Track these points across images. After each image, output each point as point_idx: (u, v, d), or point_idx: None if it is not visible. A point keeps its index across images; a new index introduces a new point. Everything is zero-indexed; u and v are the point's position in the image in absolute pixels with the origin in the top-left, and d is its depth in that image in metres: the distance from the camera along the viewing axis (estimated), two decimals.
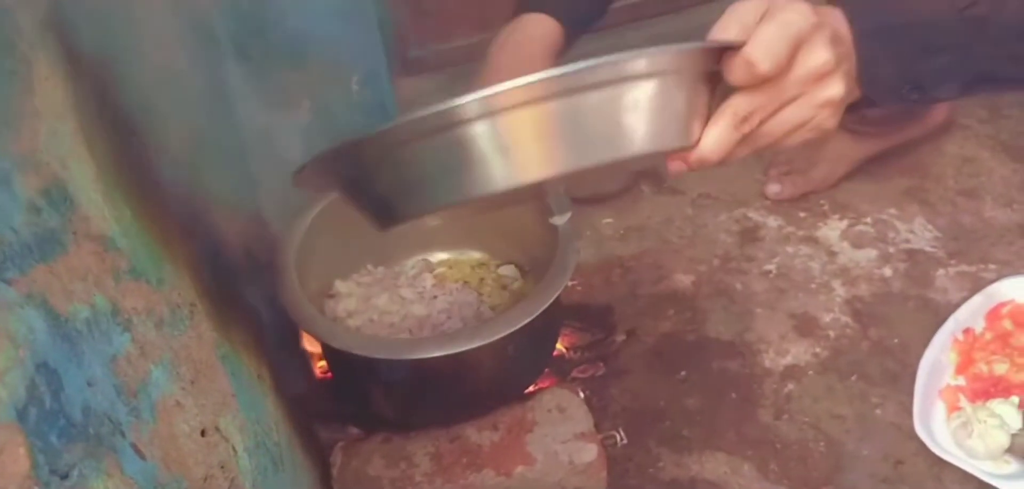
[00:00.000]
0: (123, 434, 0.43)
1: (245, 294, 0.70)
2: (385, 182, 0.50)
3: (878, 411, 0.94)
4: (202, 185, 0.65)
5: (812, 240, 1.15)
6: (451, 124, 0.46)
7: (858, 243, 1.13)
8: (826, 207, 1.19)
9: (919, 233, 1.14)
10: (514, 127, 0.45)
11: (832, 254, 1.12)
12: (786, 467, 0.89)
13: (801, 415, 0.94)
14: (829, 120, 0.55)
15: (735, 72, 0.51)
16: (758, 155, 0.58)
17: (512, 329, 0.75)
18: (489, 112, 0.45)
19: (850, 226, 1.16)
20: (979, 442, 0.87)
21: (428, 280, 0.95)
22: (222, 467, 0.46)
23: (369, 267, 0.95)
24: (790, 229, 1.16)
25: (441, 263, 0.99)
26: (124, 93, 0.55)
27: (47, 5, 0.46)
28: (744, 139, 0.53)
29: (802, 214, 1.18)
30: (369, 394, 0.81)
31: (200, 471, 0.43)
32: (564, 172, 0.47)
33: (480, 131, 0.45)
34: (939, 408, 0.92)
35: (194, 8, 0.68)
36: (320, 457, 0.79)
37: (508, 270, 0.98)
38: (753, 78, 0.51)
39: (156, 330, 0.49)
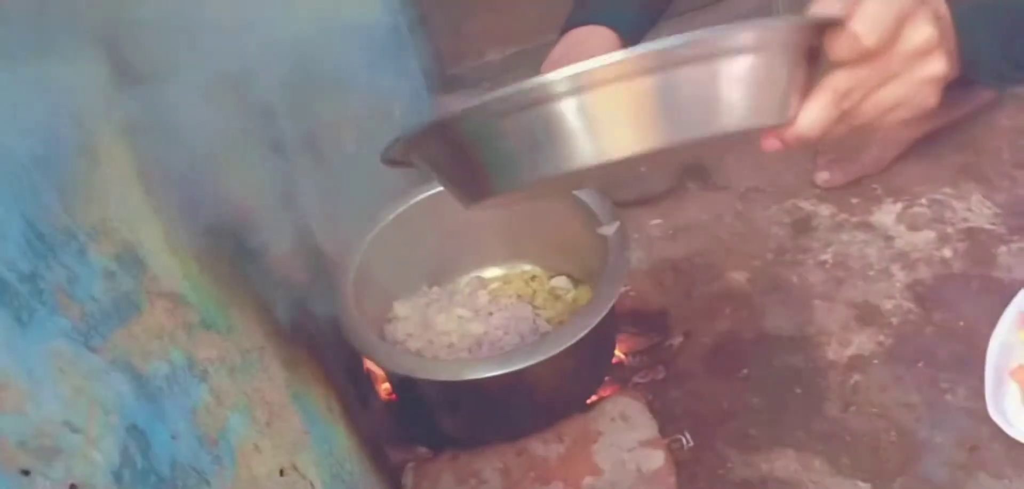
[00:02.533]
0: (208, 483, 0.44)
1: (309, 328, 0.71)
2: (475, 159, 0.49)
3: (948, 396, 0.91)
4: (260, 228, 0.66)
5: (867, 226, 1.12)
6: (544, 99, 0.45)
7: (915, 225, 1.11)
8: (879, 191, 1.16)
9: (977, 210, 1.11)
10: (610, 102, 0.45)
11: (889, 239, 1.10)
12: (858, 460, 0.87)
13: (869, 406, 0.92)
14: (930, 98, 0.54)
15: (839, 47, 0.50)
16: (856, 134, 0.57)
17: (569, 343, 0.75)
18: (584, 87, 0.44)
19: (905, 208, 1.13)
20: None
21: (483, 297, 0.96)
22: None
23: (425, 288, 0.97)
24: (843, 216, 1.14)
25: (494, 279, 1.00)
26: (182, 151, 0.56)
27: (109, 78, 0.47)
28: (842, 116, 0.52)
29: (855, 200, 1.16)
30: (434, 415, 0.82)
31: None
32: (659, 147, 0.46)
33: (574, 106, 0.45)
34: (1012, 389, 0.89)
35: (240, 59, 0.69)
36: (392, 479, 0.81)
37: (561, 281, 0.98)
38: (857, 53, 0.50)
39: (230, 377, 0.51)
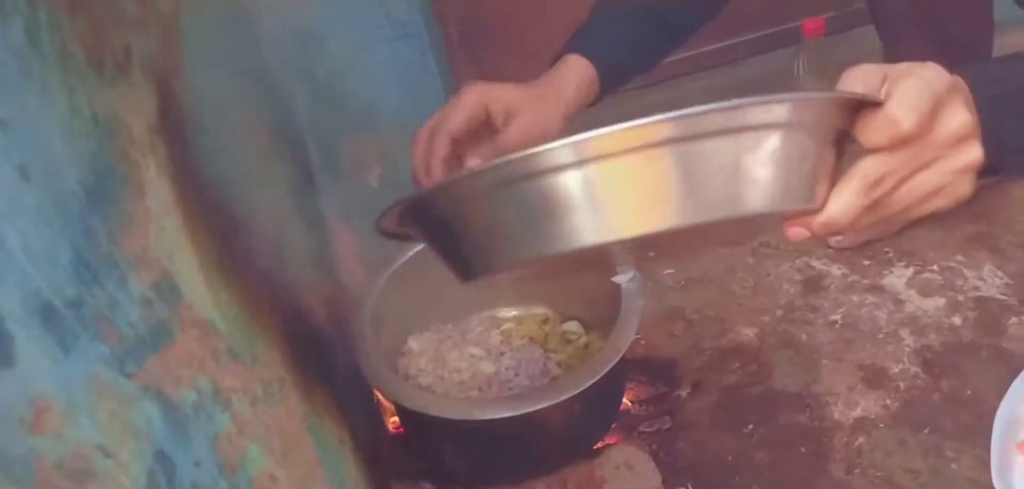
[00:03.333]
0: None
1: (327, 361, 0.73)
2: (468, 232, 0.45)
3: (953, 466, 0.92)
4: (286, 259, 0.68)
5: (878, 289, 1.13)
6: (543, 170, 0.40)
7: (925, 291, 1.12)
8: (891, 254, 1.18)
9: (989, 280, 1.11)
10: (622, 174, 0.40)
11: (899, 303, 1.11)
12: None
13: (873, 470, 0.93)
14: (965, 187, 0.51)
15: (873, 131, 0.47)
16: (886, 224, 0.54)
17: (579, 389, 0.76)
18: (594, 157, 0.40)
19: (916, 274, 1.14)
20: None
21: (495, 337, 0.97)
22: None
23: (439, 325, 0.98)
24: (855, 277, 1.15)
25: (508, 320, 1.02)
26: (219, 183, 0.58)
27: (156, 112, 0.50)
28: (874, 205, 0.49)
29: (866, 262, 1.17)
30: (441, 451, 0.83)
31: None
32: (671, 228, 0.42)
33: (580, 178, 0.40)
34: (1019, 462, 0.90)
35: (275, 86, 0.72)
36: None
37: (572, 326, 1.00)
38: (893, 138, 0.47)
39: (251, 407, 0.52)
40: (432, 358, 0.91)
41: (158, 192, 0.50)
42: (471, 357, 0.92)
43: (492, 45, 1.44)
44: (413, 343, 0.93)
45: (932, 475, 0.91)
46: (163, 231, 0.49)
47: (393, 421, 0.93)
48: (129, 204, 0.47)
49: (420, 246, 0.95)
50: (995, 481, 0.87)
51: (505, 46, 1.45)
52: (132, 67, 0.49)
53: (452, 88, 1.17)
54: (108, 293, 0.42)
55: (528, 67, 1.42)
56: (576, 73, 0.89)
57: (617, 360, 0.80)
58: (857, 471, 0.93)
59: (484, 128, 0.82)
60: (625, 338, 0.82)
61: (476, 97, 0.80)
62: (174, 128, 0.52)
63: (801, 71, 1.32)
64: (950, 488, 0.90)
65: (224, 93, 0.60)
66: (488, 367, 0.90)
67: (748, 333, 1.04)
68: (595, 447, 0.89)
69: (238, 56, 0.64)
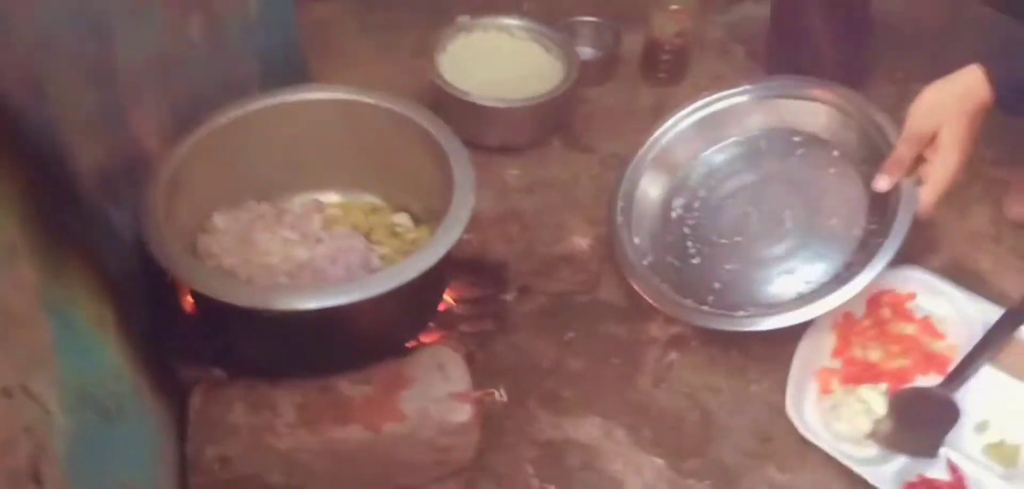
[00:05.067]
0: None
1: (96, 228, 0.65)
2: None
3: (754, 387, 0.96)
4: (49, 103, 0.59)
5: None
6: None
7: None
8: None
9: None
10: None
11: None
12: (659, 435, 0.91)
13: (680, 385, 0.95)
14: None
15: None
16: None
17: (393, 286, 0.73)
18: None
19: None
20: (845, 425, 0.90)
21: (316, 221, 0.91)
22: (27, 430, 0.43)
23: (252, 202, 0.91)
24: None
25: (332, 205, 0.96)
26: None
27: None
28: None
29: None
30: (235, 339, 0.78)
31: None
32: None
33: None
34: (812, 388, 0.95)
35: None
36: (178, 398, 0.76)
37: (402, 218, 0.95)
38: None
39: None
40: (238, 238, 0.85)
41: None
42: (284, 241, 0.86)
43: None
44: (218, 219, 0.86)
45: (732, 394, 0.95)
46: None
47: (189, 300, 0.87)
48: None
49: (235, 113, 0.87)
50: (788, 404, 0.91)
51: None
52: None
53: None
54: None
55: None
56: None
57: (437, 260, 0.77)
58: (664, 385, 0.95)
59: None
60: (449, 238, 0.78)
61: None
62: None
63: None
64: (747, 407, 0.94)
65: None
66: (302, 253, 0.85)
67: (582, 243, 1.03)
68: (408, 345, 0.86)
69: None
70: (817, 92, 1.06)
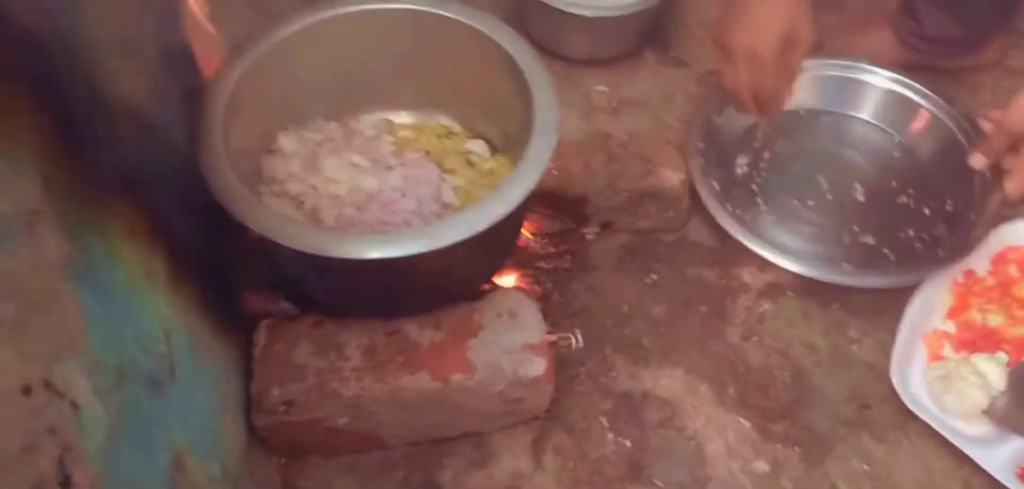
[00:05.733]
0: None
1: (146, 158, 0.59)
2: None
3: (854, 347, 0.88)
4: (78, 17, 0.51)
5: None
6: None
7: None
8: None
9: None
10: None
11: None
12: (745, 394, 0.84)
13: (772, 339, 0.88)
14: None
15: None
16: None
17: (464, 237, 0.67)
18: None
19: None
20: (956, 400, 0.81)
21: (387, 144, 0.85)
22: (51, 432, 0.39)
23: (321, 121, 0.85)
24: None
25: (404, 126, 0.89)
26: None
27: None
28: None
29: None
30: (298, 279, 0.74)
31: (16, 443, 0.37)
32: None
33: None
34: (920, 354, 0.86)
35: None
36: (244, 333, 0.74)
37: (478, 145, 0.88)
38: None
39: None
40: (305, 163, 0.80)
41: None
42: (353, 167, 0.80)
43: None
44: (284, 141, 0.81)
45: (830, 352, 0.87)
46: None
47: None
48: None
49: (299, 23, 0.81)
50: (892, 370, 0.83)
51: None
52: None
53: None
54: None
55: None
56: None
57: (512, 208, 0.69)
58: (754, 339, 0.88)
59: None
60: (527, 182, 0.71)
61: None
62: None
63: None
64: (845, 369, 0.86)
65: None
66: (371, 183, 0.79)
67: (673, 179, 0.95)
68: (482, 290, 0.81)
69: None
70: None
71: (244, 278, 0.76)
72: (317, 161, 0.80)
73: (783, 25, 0.80)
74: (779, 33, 0.81)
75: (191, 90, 0.71)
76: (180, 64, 0.71)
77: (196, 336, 0.62)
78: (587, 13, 1.04)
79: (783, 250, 0.89)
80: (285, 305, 0.77)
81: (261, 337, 0.73)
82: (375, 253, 0.65)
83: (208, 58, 0.76)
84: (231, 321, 0.72)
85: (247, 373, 0.72)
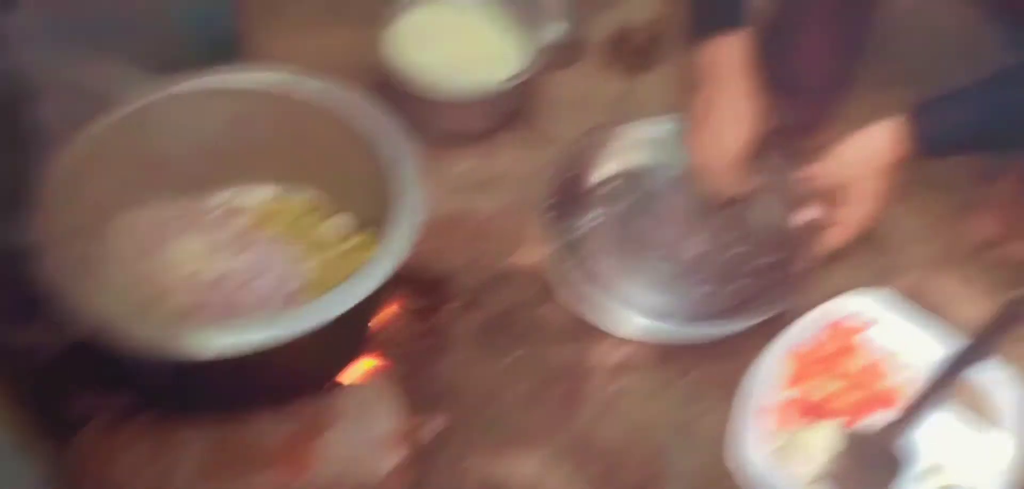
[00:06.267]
0: None
1: None
2: None
3: (709, 418, 0.90)
4: None
5: None
6: None
7: None
8: None
9: None
10: None
11: None
12: (603, 475, 0.85)
13: (630, 414, 0.90)
14: None
15: None
16: None
17: (312, 327, 0.64)
18: None
19: None
20: (798, 468, 0.85)
21: (240, 223, 0.82)
22: None
23: (167, 198, 0.81)
24: None
25: (262, 202, 0.86)
26: None
27: None
28: None
29: None
30: (133, 376, 0.69)
31: None
32: None
33: None
34: (759, 427, 0.89)
35: None
36: (67, 437, 0.67)
37: (343, 220, 0.86)
38: None
39: None
40: (147, 242, 0.75)
41: None
42: (200, 248, 0.76)
43: None
44: (123, 220, 0.76)
45: (685, 426, 0.89)
46: None
47: None
48: None
49: (149, 95, 0.77)
50: (734, 443, 0.86)
51: None
52: None
53: None
54: None
55: None
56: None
57: (370, 293, 0.68)
58: (611, 416, 0.89)
59: None
60: (383, 269, 0.70)
61: None
62: None
63: None
64: (701, 444, 0.88)
65: None
66: (218, 265, 0.76)
67: (535, 254, 0.96)
68: (336, 379, 0.78)
69: None
70: None
71: (72, 373, 0.70)
72: (163, 242, 0.76)
73: (741, 143, 0.92)
74: (736, 150, 0.92)
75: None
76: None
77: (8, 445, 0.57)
78: (449, 94, 1.06)
79: (635, 309, 0.92)
80: (119, 399, 0.71)
81: (81, 445, 0.66)
82: (211, 347, 0.62)
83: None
84: (53, 424, 0.66)
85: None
